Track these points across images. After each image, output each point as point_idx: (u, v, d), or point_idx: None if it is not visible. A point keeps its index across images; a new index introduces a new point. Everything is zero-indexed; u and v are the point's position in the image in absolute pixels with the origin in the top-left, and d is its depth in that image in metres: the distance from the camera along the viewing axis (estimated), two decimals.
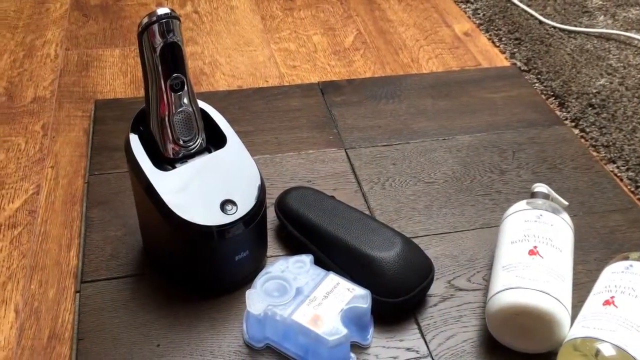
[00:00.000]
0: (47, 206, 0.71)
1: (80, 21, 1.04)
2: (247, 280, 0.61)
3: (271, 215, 0.67)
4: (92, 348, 0.56)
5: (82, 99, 0.87)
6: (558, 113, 0.87)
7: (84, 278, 0.62)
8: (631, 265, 0.56)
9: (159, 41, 0.54)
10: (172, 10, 0.54)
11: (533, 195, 0.65)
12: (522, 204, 0.63)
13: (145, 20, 0.54)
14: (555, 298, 0.54)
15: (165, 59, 0.55)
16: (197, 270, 0.60)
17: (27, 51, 0.96)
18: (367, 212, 0.70)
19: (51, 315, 0.60)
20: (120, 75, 0.92)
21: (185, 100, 0.57)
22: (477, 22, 1.07)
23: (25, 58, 0.95)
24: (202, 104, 0.61)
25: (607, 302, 0.53)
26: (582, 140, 0.83)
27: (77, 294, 0.61)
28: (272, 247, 0.66)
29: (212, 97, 0.85)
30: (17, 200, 0.71)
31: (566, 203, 0.66)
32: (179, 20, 0.55)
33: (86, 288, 0.61)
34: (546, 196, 0.65)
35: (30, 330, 0.58)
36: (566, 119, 0.86)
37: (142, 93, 0.88)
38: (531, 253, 0.57)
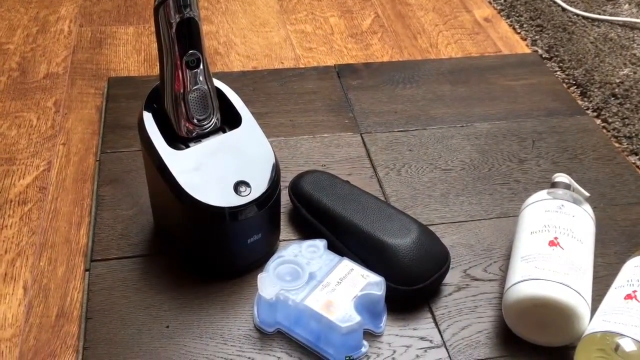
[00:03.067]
0: (58, 183, 0.70)
1: None
2: (259, 263, 0.60)
3: (285, 198, 0.66)
4: (100, 327, 0.56)
5: (95, 76, 0.86)
6: (580, 102, 0.85)
7: (94, 257, 0.61)
8: None
9: (175, 16, 0.52)
10: None
11: (554, 185, 0.64)
12: (542, 194, 0.61)
13: None
14: (576, 291, 0.52)
15: (182, 34, 0.53)
16: (209, 252, 0.59)
17: (40, 27, 0.95)
18: (382, 198, 0.69)
19: (60, 293, 0.59)
20: (134, 53, 0.91)
21: (201, 78, 0.56)
22: (498, 7, 1.05)
23: (39, 34, 0.94)
24: (217, 83, 0.60)
25: (628, 297, 0.52)
26: (604, 130, 0.81)
27: (87, 273, 0.60)
28: (285, 230, 0.65)
29: (226, 78, 0.83)
30: (27, 177, 0.71)
31: (587, 194, 0.64)
32: None
33: (96, 267, 0.61)
34: (567, 186, 0.63)
35: (38, 308, 0.58)
36: (588, 109, 0.84)
37: (155, 72, 0.87)
38: (551, 244, 0.55)
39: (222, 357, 0.54)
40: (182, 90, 0.56)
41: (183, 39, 0.54)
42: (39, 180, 0.70)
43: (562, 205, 0.59)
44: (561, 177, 0.64)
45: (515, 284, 0.54)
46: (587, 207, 0.61)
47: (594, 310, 0.54)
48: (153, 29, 0.96)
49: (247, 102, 0.61)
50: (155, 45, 0.92)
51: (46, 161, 0.73)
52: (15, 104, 0.81)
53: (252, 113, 0.61)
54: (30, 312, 0.57)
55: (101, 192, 0.68)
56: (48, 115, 0.79)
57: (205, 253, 0.59)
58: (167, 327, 0.56)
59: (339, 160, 0.74)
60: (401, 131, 0.79)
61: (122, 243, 0.63)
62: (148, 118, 0.57)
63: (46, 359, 0.54)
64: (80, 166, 0.72)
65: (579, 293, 0.52)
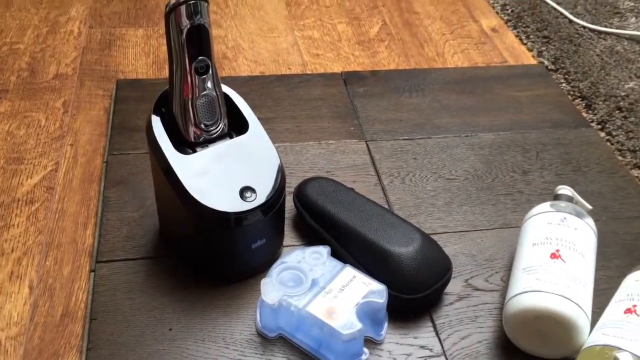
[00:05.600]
0: (65, 184, 0.71)
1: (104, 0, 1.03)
2: (263, 268, 0.60)
3: (289, 204, 0.66)
4: (104, 328, 0.56)
5: (104, 78, 0.87)
6: (584, 115, 0.86)
7: (99, 258, 0.62)
8: None
9: (185, 23, 0.53)
10: None
11: (557, 197, 0.64)
12: (545, 206, 0.62)
13: (173, 0, 0.53)
14: (576, 303, 0.53)
15: (192, 41, 0.54)
16: (213, 256, 0.59)
17: (50, 27, 0.96)
18: (386, 206, 0.69)
19: (65, 293, 0.60)
20: (142, 55, 0.91)
21: (209, 84, 0.57)
22: (505, 18, 1.06)
23: (49, 34, 0.94)
24: (225, 89, 0.60)
25: (628, 311, 0.52)
26: (608, 143, 0.81)
27: (92, 274, 0.61)
28: (289, 236, 0.65)
29: (233, 82, 0.83)
30: (35, 176, 0.71)
31: (590, 207, 0.64)
32: (207, 2, 0.54)
33: (101, 268, 0.61)
34: (570, 199, 0.63)
35: (43, 307, 0.58)
36: (592, 121, 0.84)
37: (164, 74, 0.88)
38: (553, 256, 0.56)
39: None
40: (190, 96, 0.56)
41: (193, 45, 0.54)
42: (47, 180, 0.71)
43: (565, 218, 0.59)
44: (564, 190, 0.64)
45: (516, 295, 0.54)
46: (590, 220, 0.61)
47: (594, 323, 0.54)
48: (162, 32, 0.97)
49: (254, 107, 0.62)
50: (163, 48, 0.93)
51: (54, 161, 0.73)
52: (24, 104, 0.81)
53: (259, 118, 0.61)
54: (36, 311, 0.58)
55: (108, 193, 0.69)
56: (57, 115, 0.80)
57: (210, 257, 0.60)
58: (170, 329, 0.56)
59: (344, 167, 0.74)
60: (406, 139, 0.79)
61: (128, 245, 0.63)
62: (156, 122, 0.58)
63: (50, 359, 0.55)
64: (87, 167, 0.73)
65: (579, 306, 0.53)
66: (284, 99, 0.84)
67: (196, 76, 0.56)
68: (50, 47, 0.92)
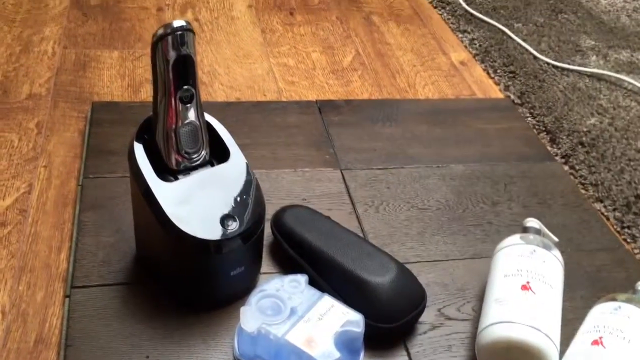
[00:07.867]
0: (39, 206, 0.70)
1: (79, 20, 1.03)
2: (240, 295, 0.61)
3: (266, 231, 0.67)
4: (79, 355, 0.56)
5: (79, 100, 0.86)
6: (549, 148, 0.89)
7: (74, 283, 0.62)
8: (619, 307, 0.57)
9: (172, 53, 0.54)
10: (187, 22, 0.54)
11: (525, 229, 0.66)
12: (515, 238, 0.64)
13: (161, 31, 0.53)
14: (546, 334, 0.55)
15: (177, 71, 0.55)
16: (192, 283, 0.60)
17: (23, 46, 0.95)
18: (361, 235, 0.71)
19: (38, 319, 0.59)
20: (118, 77, 0.91)
21: (193, 113, 0.57)
22: (474, 52, 1.09)
23: (22, 53, 0.94)
24: (208, 117, 0.61)
25: (595, 342, 0.54)
26: (572, 177, 0.84)
27: (67, 299, 0.60)
28: (266, 263, 0.66)
29: (210, 108, 0.83)
30: (7, 198, 0.70)
31: (556, 239, 0.67)
32: (194, 33, 0.55)
33: (76, 293, 0.61)
34: (538, 231, 0.66)
35: (16, 333, 0.57)
36: (557, 155, 0.88)
37: (139, 97, 0.88)
38: (524, 288, 0.58)
39: None
40: (174, 124, 0.57)
41: (179, 75, 0.55)
42: (19, 203, 0.70)
43: (534, 251, 0.62)
44: (532, 222, 0.67)
45: (488, 325, 0.56)
46: (557, 252, 0.63)
47: (562, 353, 0.56)
48: (138, 54, 0.97)
49: (230, 134, 0.63)
50: (139, 71, 0.93)
51: (27, 183, 0.72)
52: None
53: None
54: (8, 337, 0.57)
55: (83, 217, 0.68)
56: (30, 136, 0.79)
57: (188, 284, 0.60)
58: (147, 357, 0.56)
59: (319, 195, 0.76)
60: (380, 169, 0.81)
61: (103, 270, 0.63)
62: (139, 149, 0.58)
63: None
64: (61, 190, 0.72)
65: (548, 337, 0.55)
66: (259, 126, 0.85)
67: (181, 105, 0.56)
68: (24, 66, 0.91)
